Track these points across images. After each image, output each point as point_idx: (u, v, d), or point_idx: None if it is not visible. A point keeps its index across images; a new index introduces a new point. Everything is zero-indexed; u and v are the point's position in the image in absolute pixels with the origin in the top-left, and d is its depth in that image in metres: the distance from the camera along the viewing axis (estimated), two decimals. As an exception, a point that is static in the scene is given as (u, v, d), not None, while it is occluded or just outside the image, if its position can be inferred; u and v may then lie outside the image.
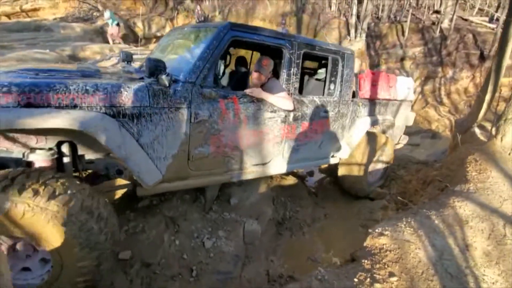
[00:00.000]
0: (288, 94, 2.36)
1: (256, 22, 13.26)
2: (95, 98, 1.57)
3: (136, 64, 2.89)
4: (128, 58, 2.77)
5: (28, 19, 11.41)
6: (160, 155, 1.87)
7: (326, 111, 2.69)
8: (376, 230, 1.99)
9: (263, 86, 2.33)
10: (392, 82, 3.43)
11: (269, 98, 2.24)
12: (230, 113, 2.07)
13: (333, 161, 3.15)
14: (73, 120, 1.37)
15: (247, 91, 2.18)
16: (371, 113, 3.23)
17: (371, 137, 3.27)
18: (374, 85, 3.17)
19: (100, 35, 10.21)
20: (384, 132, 3.65)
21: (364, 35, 11.37)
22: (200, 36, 2.24)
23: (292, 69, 2.35)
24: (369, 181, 3.49)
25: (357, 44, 11.02)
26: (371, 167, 3.46)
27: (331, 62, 2.72)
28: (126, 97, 1.65)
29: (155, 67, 1.70)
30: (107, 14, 8.65)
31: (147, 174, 1.79)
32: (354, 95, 3.04)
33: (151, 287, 2.06)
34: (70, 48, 7.64)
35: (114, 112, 1.63)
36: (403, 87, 3.61)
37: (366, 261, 1.74)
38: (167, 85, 1.75)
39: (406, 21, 11.11)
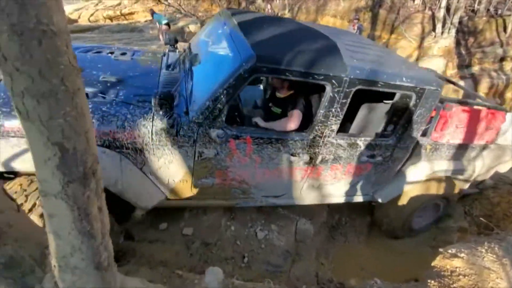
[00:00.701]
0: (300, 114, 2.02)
1: (327, 19, 12.84)
2: (99, 132, 1.63)
3: (180, 47, 2.76)
4: (171, 41, 2.66)
5: (125, 22, 13.48)
6: (163, 181, 1.93)
7: (371, 156, 2.20)
8: (449, 251, 1.77)
9: (287, 99, 2.14)
10: (496, 123, 2.47)
11: (272, 126, 1.99)
12: (240, 153, 1.90)
13: (367, 199, 2.66)
14: None
15: (257, 120, 2.04)
16: (442, 158, 2.50)
17: (430, 184, 2.63)
18: (461, 127, 2.32)
19: (181, 34, 11.33)
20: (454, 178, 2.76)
21: (453, 31, 9.89)
22: (223, 58, 1.99)
23: (333, 110, 1.88)
24: (413, 227, 2.93)
25: (443, 41, 9.68)
26: (421, 213, 2.86)
27: (399, 99, 2.05)
28: (129, 133, 1.68)
29: (161, 105, 1.62)
30: (155, 17, 9.57)
31: (146, 199, 1.87)
32: (424, 132, 2.38)
33: (207, 264, 2.24)
34: (155, 47, 8.72)
35: (117, 145, 1.68)
36: (510, 128, 2.73)
37: (432, 282, 1.57)
38: (169, 127, 1.71)
39: (510, 15, 9.25)
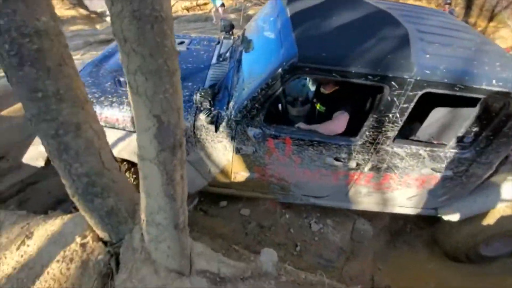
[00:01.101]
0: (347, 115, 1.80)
1: (410, 2, 11.40)
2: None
3: (236, 34, 2.63)
4: (227, 28, 2.59)
5: (200, 12, 14.38)
6: (205, 170, 1.99)
7: (439, 169, 1.90)
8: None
9: (331, 96, 1.92)
10: None
11: (316, 129, 1.84)
12: (278, 152, 1.84)
13: (428, 213, 2.34)
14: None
15: (300, 125, 1.89)
16: None
17: None
18: None
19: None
20: None
21: None
22: (265, 52, 1.84)
23: (390, 116, 1.62)
24: (483, 253, 2.46)
25: None
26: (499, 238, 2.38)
27: (482, 107, 1.65)
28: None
29: (200, 103, 1.63)
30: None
31: (189, 185, 1.96)
32: None
33: (260, 245, 2.34)
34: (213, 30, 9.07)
35: None
36: None
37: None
38: (208, 123, 1.71)
39: None
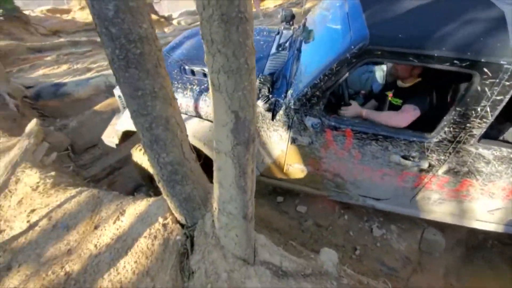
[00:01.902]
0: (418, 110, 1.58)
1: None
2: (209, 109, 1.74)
3: (297, 25, 2.56)
4: (287, 18, 2.53)
5: (254, 10, 14.61)
6: (258, 159, 1.92)
7: None
8: None
9: (410, 89, 1.69)
10: None
11: (373, 117, 1.63)
12: (337, 146, 1.68)
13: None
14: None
15: (343, 110, 1.68)
16: None
17: None
18: None
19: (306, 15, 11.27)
20: None
21: None
22: (332, 36, 1.69)
23: (478, 109, 1.40)
24: None
25: None
26: None
27: None
28: None
29: (259, 90, 1.60)
30: None
31: None
32: None
33: (317, 244, 2.31)
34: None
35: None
36: None
37: None
38: (265, 111, 1.66)
39: None
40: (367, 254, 2.31)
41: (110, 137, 2.21)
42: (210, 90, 0.94)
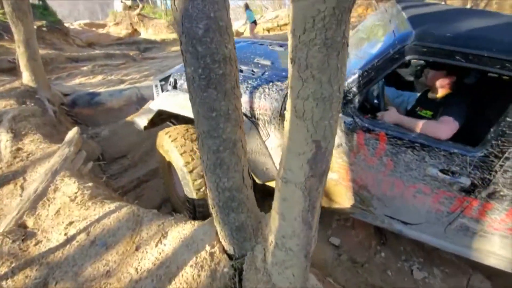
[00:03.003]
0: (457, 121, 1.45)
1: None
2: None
3: None
4: None
5: (281, 32, 15.05)
6: (264, 166, 1.84)
7: None
8: None
9: (441, 100, 1.58)
10: None
11: (409, 125, 1.49)
12: (367, 151, 1.54)
13: None
14: None
15: (380, 114, 1.58)
16: None
17: None
18: None
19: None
20: None
21: None
22: (373, 37, 1.68)
23: None
24: None
25: None
26: None
27: None
28: (263, 105, 1.74)
29: None
30: (247, 13, 9.39)
31: (262, 172, 1.79)
32: None
33: (353, 280, 2.12)
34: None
35: (251, 114, 1.79)
36: None
37: None
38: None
39: None
40: (408, 299, 2.10)
41: (140, 119, 2.21)
42: (289, 117, 0.87)
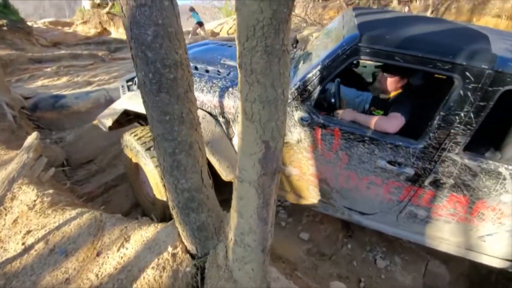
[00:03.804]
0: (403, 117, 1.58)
1: (486, 20, 10.37)
2: (205, 98, 1.81)
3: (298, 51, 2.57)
4: (291, 42, 2.63)
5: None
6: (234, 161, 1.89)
7: None
8: None
9: (392, 100, 1.73)
10: None
11: (364, 121, 1.62)
12: (325, 146, 1.65)
13: (505, 266, 1.79)
14: None
15: (339, 113, 1.68)
16: None
17: None
18: None
19: (306, 42, 11.72)
20: None
21: None
22: (329, 40, 1.79)
23: (462, 115, 1.38)
24: None
25: None
26: None
27: None
28: (227, 104, 1.79)
29: None
30: (192, 14, 9.82)
31: (228, 170, 1.79)
32: None
33: (321, 273, 2.22)
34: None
35: (216, 113, 1.84)
36: None
37: None
38: None
39: None
40: (372, 286, 2.23)
41: (105, 119, 2.15)
42: (240, 119, 0.92)
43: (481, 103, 1.34)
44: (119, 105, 2.05)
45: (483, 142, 1.68)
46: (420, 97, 1.73)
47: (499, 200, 1.52)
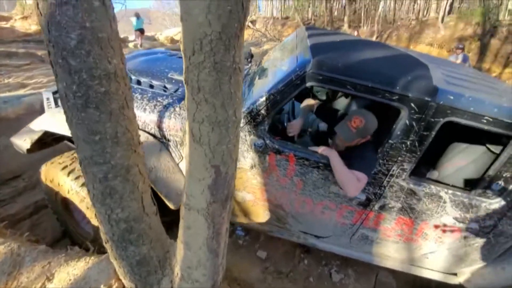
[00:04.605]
0: (369, 176, 1.53)
1: (421, 48, 11.82)
2: (148, 118, 1.66)
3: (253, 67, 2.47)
4: (246, 56, 2.54)
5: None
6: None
7: (461, 219, 1.64)
8: None
9: (349, 150, 1.67)
10: None
11: (336, 167, 1.53)
12: (279, 172, 1.63)
13: (447, 280, 1.97)
14: None
15: (318, 149, 1.62)
16: None
17: None
18: None
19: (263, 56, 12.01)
20: None
21: None
22: (282, 61, 1.77)
23: (408, 143, 1.46)
24: None
25: None
26: None
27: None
28: (173, 125, 1.66)
29: None
30: (133, 21, 9.69)
31: (176, 198, 1.64)
32: None
33: (279, 292, 2.15)
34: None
35: (161, 135, 1.69)
36: None
37: None
38: None
39: None
40: (328, 302, 2.23)
41: (22, 139, 1.80)
42: (187, 141, 0.81)
43: (424, 133, 1.42)
44: (38, 125, 1.73)
45: (424, 164, 1.80)
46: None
47: (440, 221, 1.64)
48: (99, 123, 0.74)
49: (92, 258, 1.16)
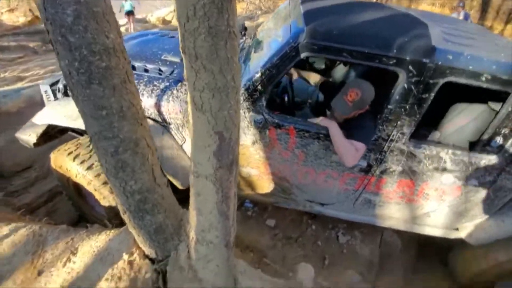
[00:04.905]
0: (367, 145, 1.56)
1: (422, 7, 11.34)
2: (147, 103, 1.67)
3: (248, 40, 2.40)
4: (239, 29, 2.50)
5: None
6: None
7: (461, 177, 1.67)
8: None
9: (347, 121, 1.67)
10: None
11: (335, 138, 1.55)
12: (281, 145, 1.65)
13: (448, 235, 2.06)
14: None
15: (317, 120, 1.64)
16: None
17: None
18: None
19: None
20: None
21: None
22: (275, 31, 1.73)
23: (406, 107, 1.45)
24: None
25: None
26: None
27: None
28: (173, 108, 1.66)
29: None
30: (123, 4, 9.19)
31: (183, 178, 1.66)
32: None
33: (288, 256, 2.28)
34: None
35: (162, 118, 1.71)
36: None
37: None
38: None
39: None
40: (336, 262, 2.36)
41: (27, 134, 1.84)
42: (190, 110, 0.84)
43: (423, 95, 1.41)
44: (40, 119, 1.73)
45: (427, 125, 1.80)
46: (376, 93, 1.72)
47: (440, 181, 1.68)
48: (104, 98, 0.77)
49: (112, 231, 1.24)
